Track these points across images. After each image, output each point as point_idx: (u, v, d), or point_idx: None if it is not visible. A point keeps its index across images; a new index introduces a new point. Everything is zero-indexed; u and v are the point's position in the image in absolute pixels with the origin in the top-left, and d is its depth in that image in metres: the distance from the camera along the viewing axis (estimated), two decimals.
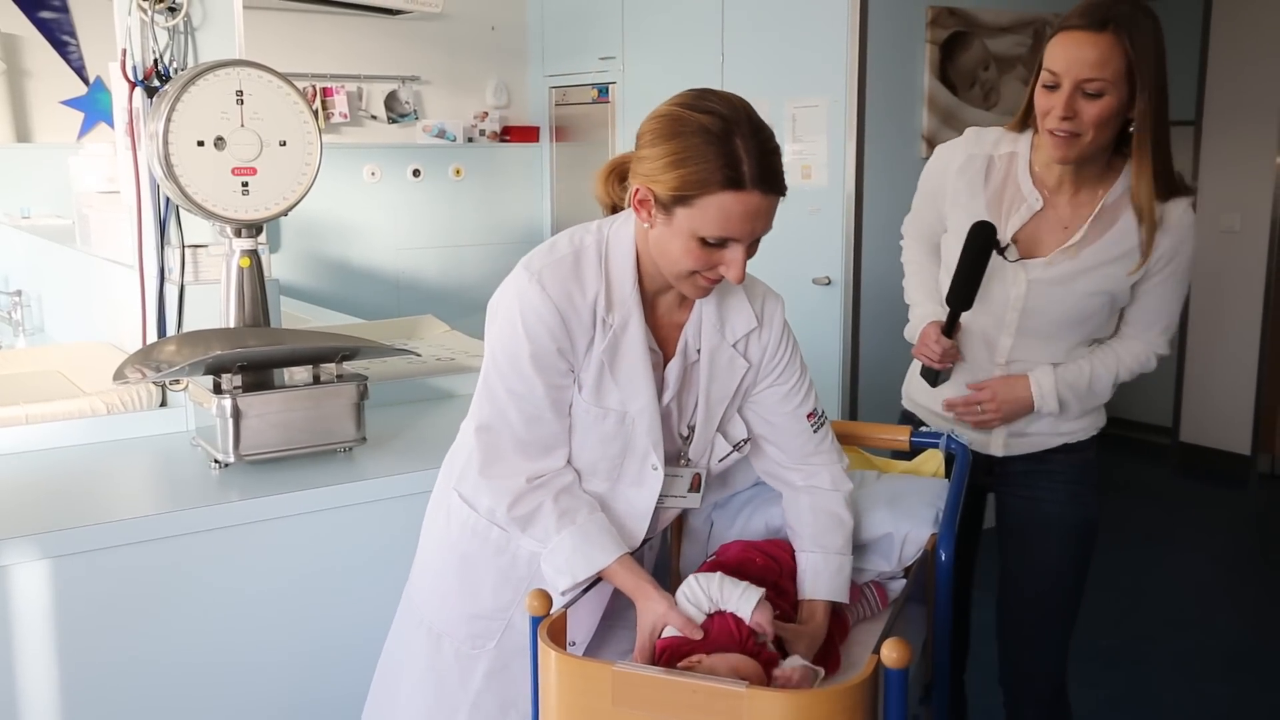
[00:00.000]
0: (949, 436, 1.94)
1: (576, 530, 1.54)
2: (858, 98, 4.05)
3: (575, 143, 5.75)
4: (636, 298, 1.55)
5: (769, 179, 1.42)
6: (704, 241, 1.44)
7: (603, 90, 5.34)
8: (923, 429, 2.03)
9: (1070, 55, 1.78)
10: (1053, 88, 1.81)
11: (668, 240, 1.47)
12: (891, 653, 1.27)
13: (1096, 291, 1.93)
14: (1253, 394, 5.38)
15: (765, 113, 1.47)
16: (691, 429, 1.64)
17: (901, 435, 1.98)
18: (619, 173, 1.62)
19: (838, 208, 4.13)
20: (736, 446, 1.67)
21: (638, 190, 1.48)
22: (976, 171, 2.00)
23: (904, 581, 1.73)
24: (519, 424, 1.57)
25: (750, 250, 1.47)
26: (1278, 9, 5.15)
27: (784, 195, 1.45)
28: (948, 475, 1.92)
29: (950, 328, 1.97)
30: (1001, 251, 1.95)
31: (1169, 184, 1.88)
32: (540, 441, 1.58)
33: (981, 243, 1.88)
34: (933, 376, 2.04)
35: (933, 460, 1.95)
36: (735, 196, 1.40)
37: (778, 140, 1.45)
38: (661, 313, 1.61)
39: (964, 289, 1.91)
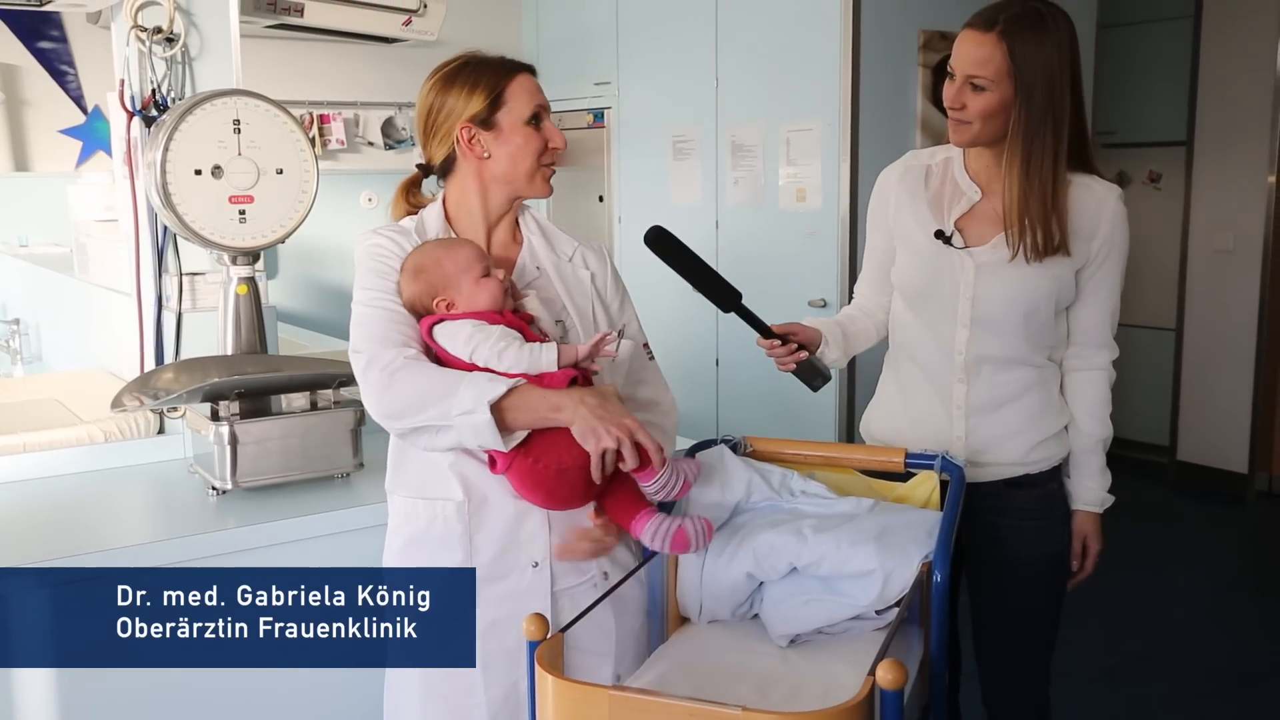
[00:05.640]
0: (944, 458, 1.94)
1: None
2: (851, 121, 4.07)
3: (571, 168, 5.78)
4: (445, 225, 1.82)
5: (523, 63, 1.82)
6: (529, 124, 1.78)
7: (598, 115, 5.37)
8: (916, 451, 2.03)
9: (960, 52, 1.91)
10: (952, 77, 1.93)
11: (508, 145, 1.78)
12: (887, 674, 1.27)
13: (1043, 276, 1.95)
14: (1249, 412, 5.39)
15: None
16: (560, 323, 1.83)
17: (896, 457, 1.98)
18: (414, 182, 1.91)
19: (832, 230, 4.15)
20: (619, 333, 1.87)
21: (463, 132, 1.77)
22: (915, 179, 2.07)
23: (894, 611, 1.73)
24: (379, 321, 1.73)
25: None
26: (1266, 30, 5.19)
27: (536, 74, 1.83)
28: (943, 495, 1.92)
29: (760, 329, 1.97)
30: (947, 240, 1.99)
31: (1052, 185, 1.90)
32: (398, 336, 1.71)
33: (665, 242, 1.89)
34: (807, 381, 2.02)
35: (927, 482, 1.95)
36: (522, 77, 1.80)
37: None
38: (496, 250, 1.85)
39: (711, 288, 1.92)
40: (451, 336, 1.68)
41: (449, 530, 1.77)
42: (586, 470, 1.62)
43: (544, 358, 1.64)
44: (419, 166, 1.88)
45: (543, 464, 1.65)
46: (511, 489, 1.72)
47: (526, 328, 1.72)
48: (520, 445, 1.65)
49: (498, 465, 1.70)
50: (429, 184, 1.91)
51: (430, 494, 1.78)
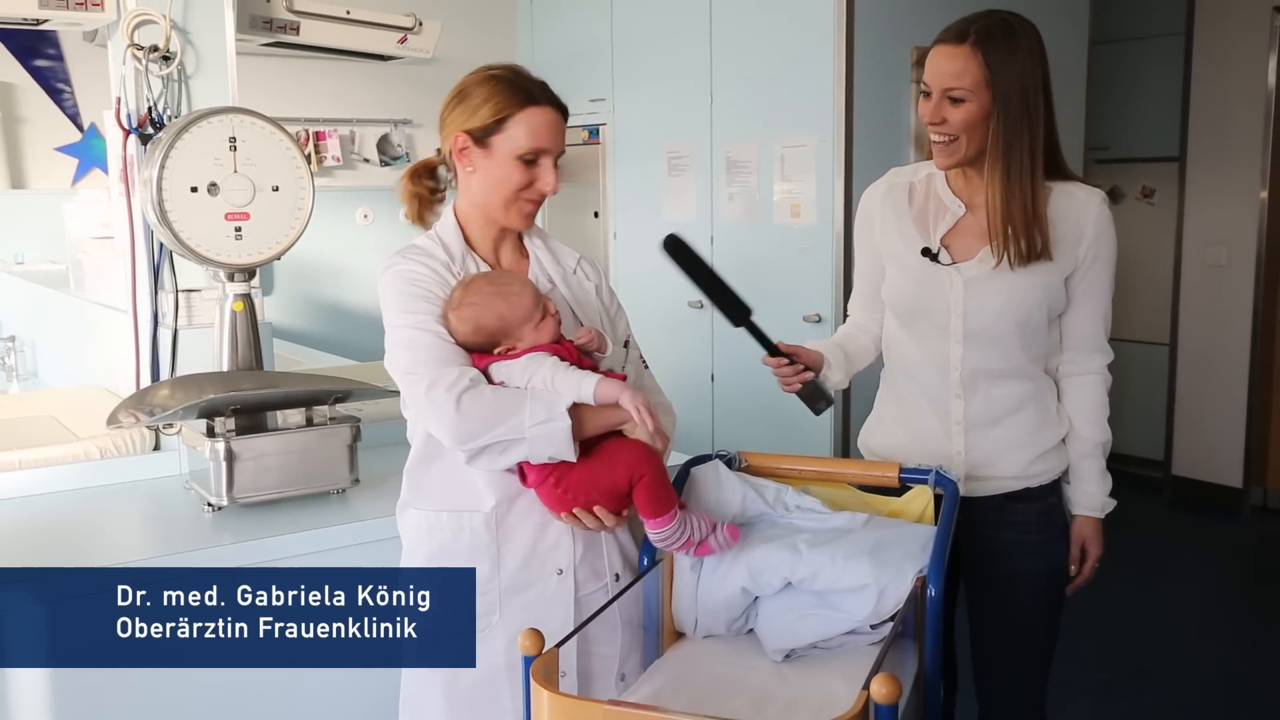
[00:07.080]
0: (937, 473, 1.94)
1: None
2: (845, 137, 4.09)
3: (566, 184, 5.76)
4: (466, 246, 1.84)
5: (554, 98, 1.80)
6: (521, 160, 1.76)
7: (593, 132, 5.39)
8: (910, 465, 2.03)
9: (935, 66, 1.93)
10: (927, 95, 1.94)
11: (492, 170, 1.78)
12: (881, 688, 1.28)
13: (1032, 285, 1.96)
14: (1243, 426, 5.40)
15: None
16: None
17: (890, 471, 1.98)
18: (425, 167, 1.90)
19: (827, 246, 4.16)
20: (625, 344, 1.96)
21: (456, 139, 1.78)
22: (899, 196, 2.08)
23: (888, 625, 1.73)
24: (433, 344, 1.73)
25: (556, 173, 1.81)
26: (1257, 46, 5.22)
27: (568, 116, 1.82)
28: (937, 509, 1.92)
29: (767, 347, 1.97)
30: (934, 257, 2.00)
31: (1031, 192, 1.92)
32: (455, 356, 1.73)
33: (680, 251, 1.89)
34: (810, 403, 2.01)
35: (922, 496, 1.96)
36: (537, 111, 1.77)
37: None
38: (505, 264, 1.88)
39: (723, 301, 1.92)
40: (508, 373, 1.73)
41: (476, 541, 1.78)
42: (611, 501, 1.72)
43: (583, 387, 1.69)
44: (438, 151, 1.90)
45: (571, 495, 1.72)
46: (537, 499, 1.76)
47: (579, 355, 1.77)
48: (552, 472, 1.71)
49: (529, 479, 1.73)
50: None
51: (456, 506, 1.79)
